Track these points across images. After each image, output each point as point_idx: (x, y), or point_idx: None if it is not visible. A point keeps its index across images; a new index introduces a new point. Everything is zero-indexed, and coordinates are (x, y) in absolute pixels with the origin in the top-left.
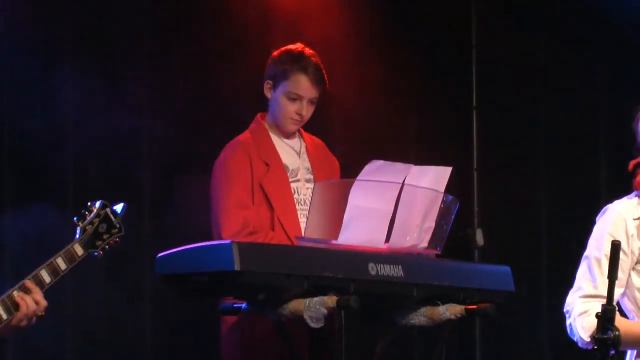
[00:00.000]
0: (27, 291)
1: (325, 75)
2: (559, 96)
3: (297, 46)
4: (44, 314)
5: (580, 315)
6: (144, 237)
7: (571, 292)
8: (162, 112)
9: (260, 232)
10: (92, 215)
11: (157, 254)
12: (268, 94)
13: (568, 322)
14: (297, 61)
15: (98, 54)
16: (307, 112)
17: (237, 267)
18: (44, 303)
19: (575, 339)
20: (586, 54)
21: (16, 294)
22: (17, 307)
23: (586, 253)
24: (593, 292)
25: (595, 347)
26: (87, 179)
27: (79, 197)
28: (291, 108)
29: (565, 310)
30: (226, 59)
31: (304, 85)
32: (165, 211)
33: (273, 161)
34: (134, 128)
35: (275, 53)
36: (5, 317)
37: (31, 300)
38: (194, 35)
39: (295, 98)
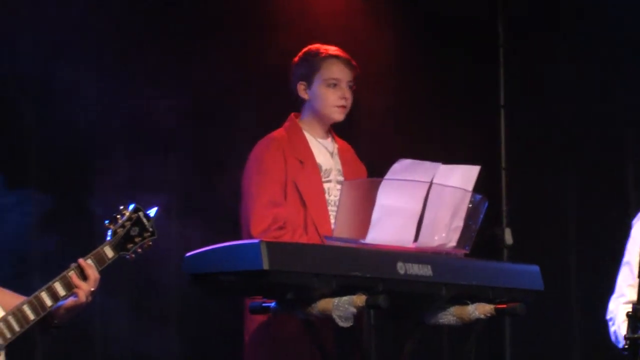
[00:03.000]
0: (54, 292)
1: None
2: (588, 95)
3: (311, 45)
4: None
5: (625, 322)
6: (172, 236)
7: (613, 298)
8: (192, 109)
9: (288, 228)
10: (123, 218)
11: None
12: (304, 94)
13: (612, 329)
14: (322, 52)
15: (124, 51)
16: (349, 96)
17: (266, 266)
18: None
19: (620, 346)
20: (617, 53)
21: (44, 294)
22: (44, 308)
23: (625, 258)
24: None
25: (626, 347)
26: (116, 178)
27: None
28: (333, 95)
29: (608, 317)
30: (256, 59)
31: (338, 67)
32: (193, 209)
33: (307, 159)
34: (163, 124)
35: (295, 58)
36: (32, 317)
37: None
38: (223, 36)
39: (334, 83)
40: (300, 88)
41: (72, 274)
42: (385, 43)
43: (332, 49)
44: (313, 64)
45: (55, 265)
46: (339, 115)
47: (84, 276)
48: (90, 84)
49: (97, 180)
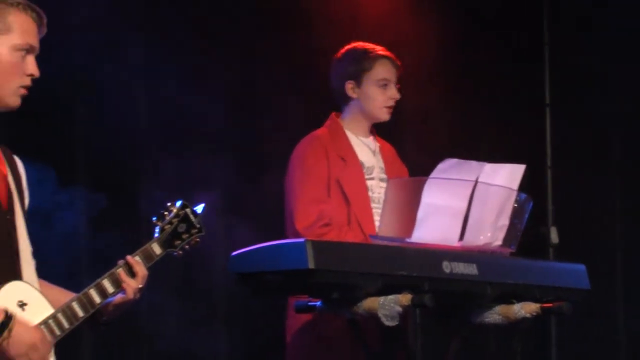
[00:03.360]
0: (102, 290)
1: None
2: (635, 93)
3: (356, 44)
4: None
5: None
6: (218, 235)
7: None
8: (239, 107)
9: (334, 224)
10: (171, 215)
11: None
12: (352, 93)
13: None
14: (371, 51)
15: (172, 50)
16: (398, 96)
17: (311, 265)
18: (142, 273)
19: None
20: None
21: (93, 292)
22: (93, 305)
23: None
24: None
25: None
26: (164, 176)
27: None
28: (383, 96)
29: None
30: (300, 57)
31: (388, 68)
32: (240, 207)
33: (349, 156)
34: (211, 123)
35: (339, 55)
36: (81, 314)
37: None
38: (277, 35)
39: (385, 84)
40: (348, 87)
41: (120, 271)
42: (429, 42)
43: (379, 49)
44: (363, 63)
45: (105, 262)
46: (386, 116)
47: (132, 273)
48: (138, 83)
49: (145, 178)
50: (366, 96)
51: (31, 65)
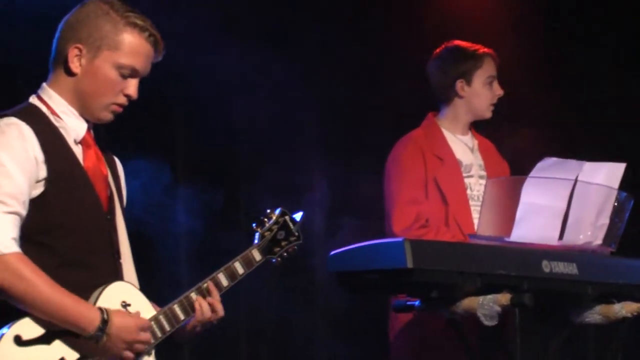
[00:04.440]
0: (204, 293)
1: None
2: None
3: (457, 42)
4: (217, 322)
5: None
6: (316, 234)
7: None
8: (339, 109)
9: (431, 226)
10: (270, 222)
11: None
12: (462, 92)
13: None
14: (478, 49)
15: (284, 45)
16: (502, 91)
17: (410, 265)
18: (220, 313)
19: None
20: None
21: (193, 295)
22: (193, 308)
23: None
24: None
25: None
26: (266, 178)
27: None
28: (490, 93)
29: None
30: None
31: (493, 65)
32: (339, 208)
33: (446, 156)
34: (314, 124)
35: (443, 53)
36: (182, 317)
37: (207, 306)
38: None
39: (491, 81)
40: (459, 85)
41: (196, 297)
42: (527, 40)
43: (481, 46)
44: (474, 61)
45: (210, 263)
46: (490, 113)
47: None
48: (243, 85)
49: (250, 181)
50: (475, 94)
51: (132, 87)
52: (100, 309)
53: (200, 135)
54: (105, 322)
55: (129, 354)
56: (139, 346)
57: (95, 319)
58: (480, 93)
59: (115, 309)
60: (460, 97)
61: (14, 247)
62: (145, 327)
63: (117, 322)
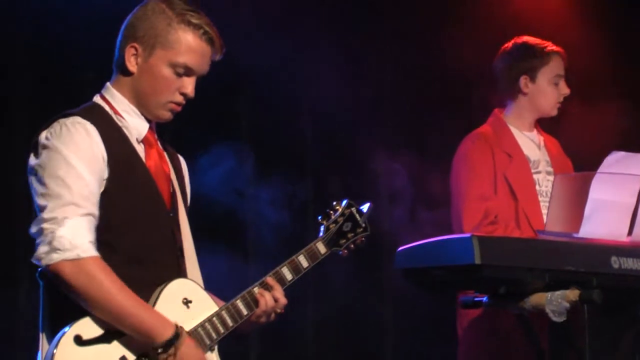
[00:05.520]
0: (267, 287)
1: None
2: None
3: (527, 37)
4: (282, 311)
5: None
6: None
7: None
8: (407, 105)
9: (500, 222)
10: (336, 214)
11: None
12: (526, 89)
13: None
14: (546, 46)
15: (341, 34)
16: (568, 92)
17: (477, 261)
18: (283, 301)
19: None
20: None
21: (256, 290)
22: (256, 303)
23: None
24: None
25: None
26: (335, 172)
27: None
28: (556, 92)
29: None
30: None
31: (561, 63)
32: (405, 204)
33: (515, 152)
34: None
35: (510, 49)
36: (245, 312)
37: (270, 297)
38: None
39: (557, 80)
40: (522, 82)
41: (259, 290)
42: (596, 37)
43: (551, 44)
44: (541, 58)
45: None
46: (555, 111)
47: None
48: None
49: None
50: (539, 92)
51: (188, 86)
52: (175, 325)
53: (280, 124)
54: (177, 336)
55: None
56: None
57: (168, 332)
58: (544, 91)
59: (188, 338)
60: (524, 94)
61: (91, 251)
62: None
63: (187, 345)
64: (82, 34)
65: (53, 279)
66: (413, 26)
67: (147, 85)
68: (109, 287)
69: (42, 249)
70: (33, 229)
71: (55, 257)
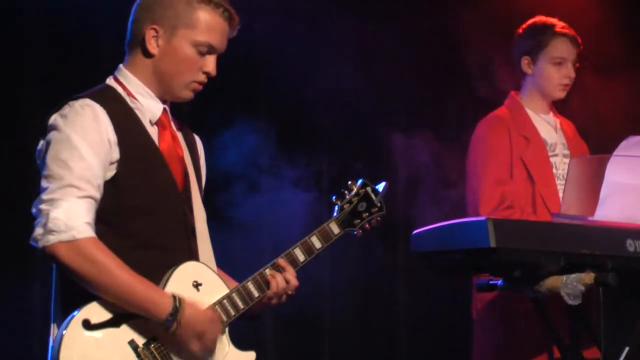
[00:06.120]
0: (279, 269)
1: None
2: None
3: (539, 18)
4: (294, 293)
5: None
6: (398, 212)
7: None
8: (424, 90)
9: (516, 207)
10: (351, 194)
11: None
12: (528, 69)
13: None
14: (550, 27)
15: (359, 20)
16: (573, 75)
17: (492, 244)
18: (294, 282)
19: None
20: None
21: (268, 271)
22: (268, 284)
23: None
24: None
25: None
26: (341, 149)
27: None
28: (558, 74)
29: None
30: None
31: (565, 46)
32: (420, 187)
33: (532, 135)
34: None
35: (520, 30)
36: (256, 294)
37: (282, 279)
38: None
39: (560, 62)
40: (524, 63)
41: (270, 272)
42: (617, 27)
43: (560, 25)
44: (541, 40)
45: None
46: (560, 93)
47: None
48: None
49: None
50: (540, 73)
51: (210, 64)
52: (173, 296)
53: (295, 104)
54: (177, 309)
55: (198, 344)
56: (209, 338)
57: (167, 306)
58: (544, 72)
59: (188, 299)
60: (528, 75)
61: (87, 232)
62: (216, 319)
63: (189, 312)
64: (98, 18)
65: (49, 260)
66: (430, 3)
67: (170, 67)
68: (106, 265)
69: (38, 231)
70: (33, 210)
71: (52, 239)
